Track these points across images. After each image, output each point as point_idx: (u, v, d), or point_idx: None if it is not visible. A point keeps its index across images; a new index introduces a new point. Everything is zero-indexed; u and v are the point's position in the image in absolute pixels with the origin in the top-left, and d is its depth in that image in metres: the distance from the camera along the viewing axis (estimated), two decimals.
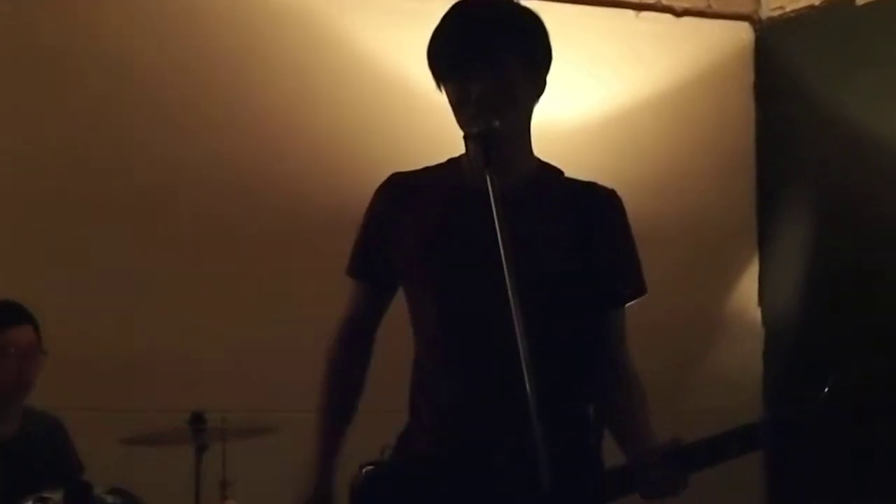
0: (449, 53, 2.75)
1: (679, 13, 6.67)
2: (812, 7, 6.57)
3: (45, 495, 4.22)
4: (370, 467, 2.88)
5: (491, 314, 2.58)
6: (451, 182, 2.85)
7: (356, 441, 2.90)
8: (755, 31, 6.81)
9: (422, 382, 2.86)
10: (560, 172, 2.91)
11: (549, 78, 2.82)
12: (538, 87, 2.81)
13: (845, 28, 6.38)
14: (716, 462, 2.56)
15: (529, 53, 2.78)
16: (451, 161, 2.91)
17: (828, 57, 6.46)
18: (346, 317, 2.97)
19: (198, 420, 4.74)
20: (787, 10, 6.71)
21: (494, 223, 2.51)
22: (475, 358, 2.74)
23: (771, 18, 6.79)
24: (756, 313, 6.68)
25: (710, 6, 6.74)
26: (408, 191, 2.89)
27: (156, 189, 5.69)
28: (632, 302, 2.88)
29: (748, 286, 6.69)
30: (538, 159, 2.89)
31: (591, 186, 2.90)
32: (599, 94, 6.37)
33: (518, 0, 2.86)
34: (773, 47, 6.77)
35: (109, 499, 4.30)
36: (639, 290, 2.89)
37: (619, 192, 2.93)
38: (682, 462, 2.58)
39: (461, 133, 2.76)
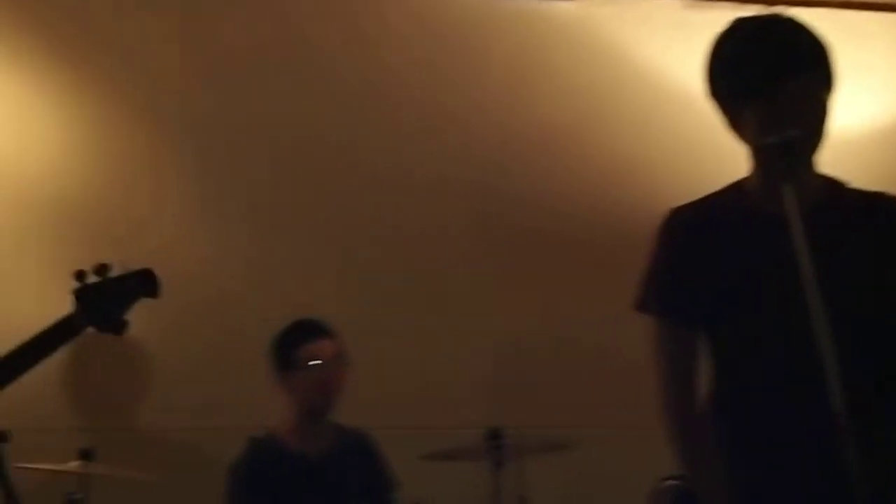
0: (749, 74, 2.74)
1: None
2: None
3: None
4: (673, 482, 2.85)
5: (806, 337, 2.48)
6: (740, 207, 2.81)
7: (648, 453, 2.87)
8: None
9: (733, 413, 2.80)
10: (844, 185, 2.85)
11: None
12: (828, 108, 2.77)
13: None
14: None
15: (823, 74, 2.77)
16: (732, 186, 2.87)
17: None
18: (671, 375, 2.82)
19: (495, 436, 4.80)
20: None
21: (792, 240, 2.47)
22: (796, 382, 2.66)
23: None
24: None
25: None
26: (699, 223, 2.84)
27: (457, 208, 5.83)
28: None
29: None
30: (822, 174, 2.84)
31: (880, 196, 2.83)
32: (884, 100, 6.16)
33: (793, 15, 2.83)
34: None
35: None
36: None
37: None
38: None
39: (740, 147, 2.74)
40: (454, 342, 5.68)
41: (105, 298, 3.10)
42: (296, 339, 4.71)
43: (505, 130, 5.93)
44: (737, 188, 2.86)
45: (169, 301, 5.23)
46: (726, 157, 2.92)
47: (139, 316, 5.10)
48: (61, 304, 5.25)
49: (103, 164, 5.61)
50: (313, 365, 4.66)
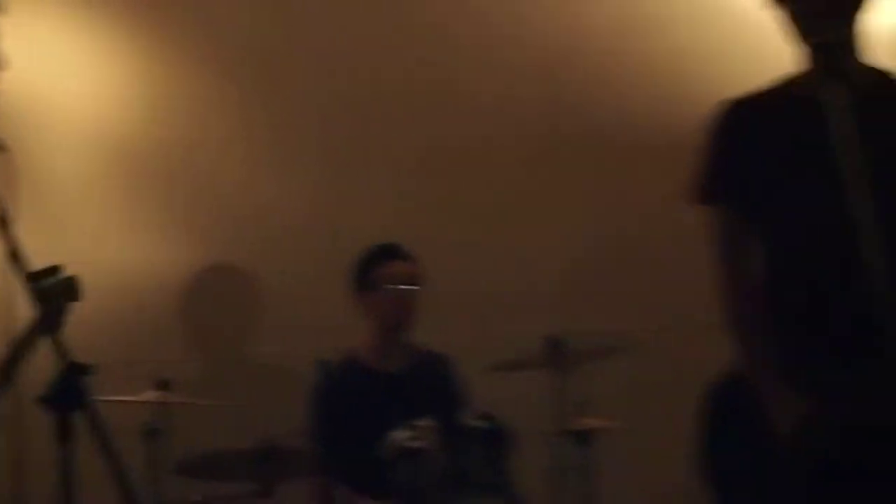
0: None
1: None
2: None
3: (416, 423, 4.46)
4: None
5: (852, 223, 2.60)
6: (792, 97, 2.91)
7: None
8: None
9: (780, 295, 2.90)
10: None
11: None
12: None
13: None
14: None
15: None
16: (785, 78, 2.98)
17: None
18: (726, 259, 2.95)
19: (556, 344, 4.89)
20: None
21: (837, 131, 2.61)
22: (838, 265, 2.77)
23: None
24: None
25: None
26: (753, 112, 2.95)
27: (520, 122, 5.86)
28: None
29: None
30: (873, 66, 2.93)
31: None
32: None
33: None
34: None
35: (478, 423, 4.50)
36: None
37: None
38: None
39: (785, 50, 2.84)
40: (515, 253, 5.74)
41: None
42: (374, 261, 4.93)
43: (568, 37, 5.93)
44: (789, 81, 2.97)
45: (243, 236, 5.43)
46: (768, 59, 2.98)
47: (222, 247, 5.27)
48: (118, 249, 5.45)
49: (171, 113, 5.71)
50: (390, 286, 4.86)
